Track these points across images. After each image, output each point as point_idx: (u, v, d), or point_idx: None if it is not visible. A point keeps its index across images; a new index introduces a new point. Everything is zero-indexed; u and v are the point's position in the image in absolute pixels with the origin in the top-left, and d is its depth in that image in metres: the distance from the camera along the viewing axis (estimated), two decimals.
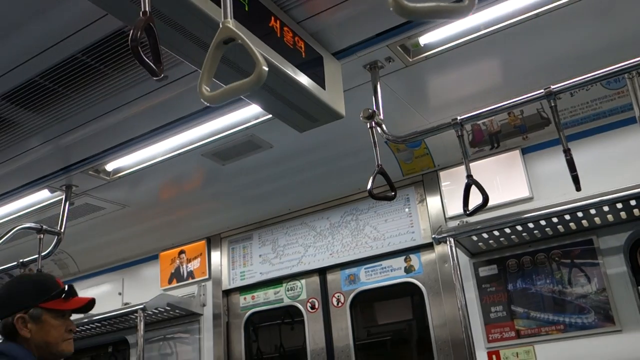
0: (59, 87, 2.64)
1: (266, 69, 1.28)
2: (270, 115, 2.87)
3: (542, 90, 2.40)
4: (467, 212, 2.51)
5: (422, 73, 2.93)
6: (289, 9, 2.31)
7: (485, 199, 2.45)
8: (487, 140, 3.42)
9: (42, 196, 3.95)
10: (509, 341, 3.11)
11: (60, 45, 2.32)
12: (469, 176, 2.51)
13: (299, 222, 4.19)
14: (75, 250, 5.07)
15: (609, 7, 2.54)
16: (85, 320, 4.38)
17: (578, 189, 2.38)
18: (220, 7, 1.51)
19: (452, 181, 3.57)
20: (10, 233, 3.53)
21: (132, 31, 1.30)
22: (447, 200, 3.56)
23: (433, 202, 3.62)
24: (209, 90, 1.35)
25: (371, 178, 2.58)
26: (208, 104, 1.41)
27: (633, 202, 2.71)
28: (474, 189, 2.50)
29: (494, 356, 3.14)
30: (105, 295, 5.04)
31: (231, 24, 1.42)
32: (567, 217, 2.85)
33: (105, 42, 2.34)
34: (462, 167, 3.37)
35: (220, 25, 1.42)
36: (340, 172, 3.83)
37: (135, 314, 4.01)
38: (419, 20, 2.18)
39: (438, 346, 3.42)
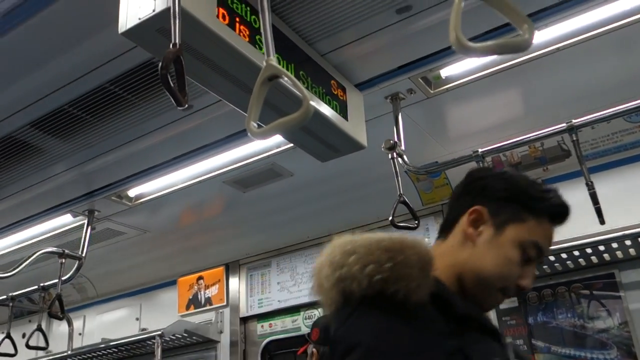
0: (86, 115, 2.70)
1: (314, 103, 1.31)
2: (292, 144, 2.91)
3: (564, 124, 2.40)
4: None
5: (442, 104, 2.96)
6: (314, 42, 2.35)
7: None
8: None
9: (64, 221, 4.00)
10: None
11: (90, 75, 2.38)
12: None
13: (317, 250, 4.18)
14: (94, 275, 5.09)
15: (629, 42, 2.55)
16: (102, 345, 4.39)
17: (602, 222, 2.37)
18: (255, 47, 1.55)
19: None
20: (34, 256, 3.56)
21: (162, 61, 1.34)
22: None
23: None
24: (256, 126, 1.38)
25: (393, 208, 2.59)
26: (256, 139, 1.45)
27: None
28: None
29: None
30: (123, 320, 5.06)
31: (274, 61, 1.46)
32: (589, 250, 2.83)
33: (133, 72, 2.40)
34: None
35: (265, 63, 1.46)
36: (359, 200, 3.84)
37: (153, 340, 4.01)
38: (480, 56, 2.21)
39: None
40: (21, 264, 3.53)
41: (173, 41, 1.41)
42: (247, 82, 1.95)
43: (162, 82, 1.33)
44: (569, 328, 3.04)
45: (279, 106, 2.01)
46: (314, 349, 2.77)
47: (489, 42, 1.07)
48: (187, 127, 2.86)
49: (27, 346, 3.99)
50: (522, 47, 1.08)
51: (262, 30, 1.59)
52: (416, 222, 2.68)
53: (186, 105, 1.40)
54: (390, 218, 2.57)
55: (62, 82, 2.44)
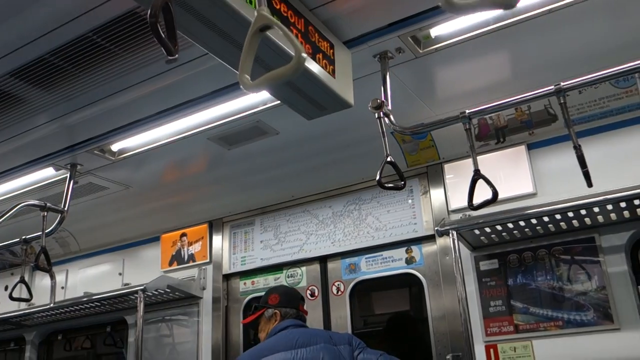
0: (68, 66, 2.64)
1: (305, 55, 1.28)
2: (278, 102, 2.88)
3: (552, 87, 2.38)
4: (473, 207, 2.49)
5: (431, 65, 2.92)
6: None
7: (495, 194, 2.41)
8: (492, 134, 3.42)
9: (46, 174, 3.95)
10: (507, 335, 3.13)
11: (72, 23, 2.31)
12: (476, 171, 2.49)
13: (301, 209, 4.20)
14: (77, 229, 5.09)
15: (621, 6, 2.53)
16: (85, 299, 4.40)
17: (589, 185, 2.38)
18: None
19: (456, 174, 3.57)
20: (15, 209, 3.53)
21: (150, 8, 1.29)
22: (450, 193, 3.56)
23: (436, 194, 3.63)
24: (249, 78, 1.34)
25: (380, 168, 2.58)
26: (249, 92, 1.42)
27: (637, 202, 2.71)
28: (479, 183, 2.49)
29: (491, 350, 3.16)
30: (106, 275, 5.07)
31: (266, 11, 1.42)
32: (570, 214, 2.85)
33: (117, 22, 2.33)
34: (467, 161, 3.41)
35: (256, 13, 1.42)
36: (345, 160, 3.83)
37: (136, 295, 4.02)
38: (466, 14, 2.15)
39: (436, 338, 3.44)
40: (2, 216, 3.50)
41: None
42: (233, 34, 1.90)
43: (152, 30, 1.28)
44: (548, 290, 3.09)
45: (266, 61, 1.97)
46: (277, 311, 2.89)
47: None
48: (172, 81, 2.81)
49: (11, 297, 3.98)
50: (510, 2, 1.07)
51: None
52: (402, 182, 2.68)
53: (177, 56, 1.36)
54: (378, 178, 2.56)
55: (43, 30, 2.36)
